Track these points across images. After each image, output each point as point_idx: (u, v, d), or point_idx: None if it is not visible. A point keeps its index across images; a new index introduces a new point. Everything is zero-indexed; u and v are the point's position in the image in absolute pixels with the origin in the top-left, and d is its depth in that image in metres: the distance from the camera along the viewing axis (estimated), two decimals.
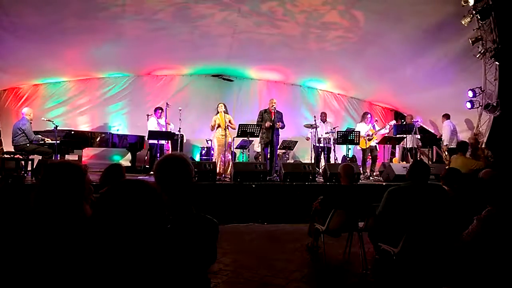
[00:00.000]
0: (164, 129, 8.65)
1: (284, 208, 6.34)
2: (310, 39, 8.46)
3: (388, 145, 9.52)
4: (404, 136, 8.74)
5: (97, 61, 9.11)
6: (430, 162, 8.78)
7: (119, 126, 10.18)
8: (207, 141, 9.66)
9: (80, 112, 9.96)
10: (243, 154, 9.20)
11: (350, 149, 8.70)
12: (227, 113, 8.11)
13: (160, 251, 1.37)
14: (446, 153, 8.62)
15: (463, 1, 6.75)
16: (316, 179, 7.31)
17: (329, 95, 11.98)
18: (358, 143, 8.24)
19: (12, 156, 7.05)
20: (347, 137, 8.07)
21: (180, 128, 8.27)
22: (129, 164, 9.15)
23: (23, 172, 6.92)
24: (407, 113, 10.20)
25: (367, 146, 8.62)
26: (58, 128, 7.19)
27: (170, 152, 8.37)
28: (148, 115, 8.95)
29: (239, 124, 7.50)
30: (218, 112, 8.04)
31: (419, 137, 9.11)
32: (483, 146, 7.67)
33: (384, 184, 7.04)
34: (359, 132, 8.26)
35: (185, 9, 7.03)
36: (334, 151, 9.25)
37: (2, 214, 2.67)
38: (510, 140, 7.53)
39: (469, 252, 2.52)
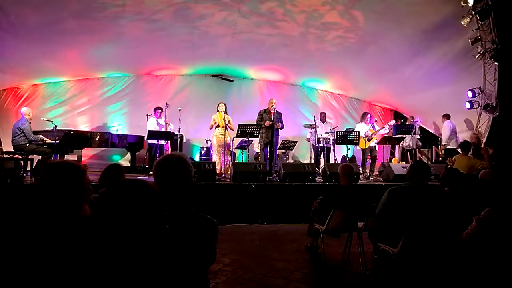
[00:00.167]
0: (163, 129, 8.64)
1: (284, 208, 6.34)
2: (309, 39, 8.46)
3: (388, 145, 9.52)
4: (404, 136, 8.76)
5: (96, 61, 9.11)
6: (429, 162, 8.78)
7: (119, 126, 10.19)
8: (206, 141, 9.66)
9: (79, 112, 9.96)
10: (242, 154, 9.19)
11: (349, 149, 8.71)
12: (227, 113, 8.10)
13: (160, 251, 1.37)
14: (443, 152, 8.62)
15: (463, 2, 6.75)
16: (316, 179, 7.30)
17: (329, 95, 11.98)
18: (357, 143, 8.24)
19: (11, 156, 7.04)
20: (346, 137, 8.06)
21: (179, 128, 8.27)
22: (129, 164, 9.16)
23: (22, 172, 6.92)
24: (408, 114, 10.20)
25: (367, 146, 8.61)
26: (57, 128, 7.21)
27: (169, 152, 8.36)
28: (147, 115, 8.95)
29: (239, 124, 7.49)
30: (218, 111, 8.05)
31: (418, 137, 9.11)
32: (483, 146, 7.68)
33: (383, 184, 7.04)
34: (358, 132, 8.26)
35: (185, 9, 7.03)
36: (334, 151, 9.24)
37: (2, 214, 2.67)
38: (509, 140, 7.53)
39: (468, 253, 2.52)
